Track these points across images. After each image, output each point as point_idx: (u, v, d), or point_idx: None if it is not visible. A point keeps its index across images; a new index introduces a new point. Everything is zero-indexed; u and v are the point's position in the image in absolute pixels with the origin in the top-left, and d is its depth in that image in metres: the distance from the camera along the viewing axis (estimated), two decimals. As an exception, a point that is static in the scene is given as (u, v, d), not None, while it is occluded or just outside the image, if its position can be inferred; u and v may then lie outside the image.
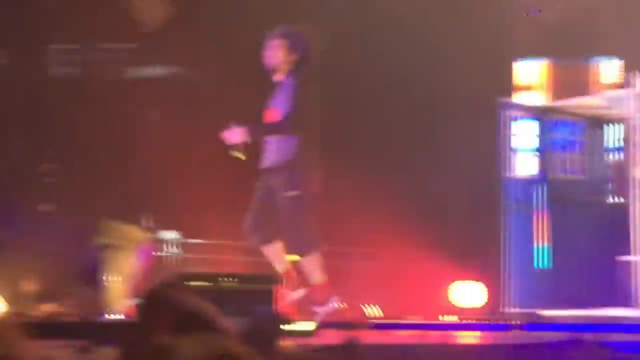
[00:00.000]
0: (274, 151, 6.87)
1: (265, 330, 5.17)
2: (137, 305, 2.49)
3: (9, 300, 7.57)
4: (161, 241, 8.31)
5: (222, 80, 8.20)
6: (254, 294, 6.17)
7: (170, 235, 8.49)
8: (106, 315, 7.36)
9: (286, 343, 5.19)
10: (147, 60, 8.82)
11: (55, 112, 8.32)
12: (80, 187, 8.23)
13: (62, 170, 8.60)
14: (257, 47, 6.99)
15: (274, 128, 6.88)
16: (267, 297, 6.06)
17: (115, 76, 8.78)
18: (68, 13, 8.22)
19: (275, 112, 6.85)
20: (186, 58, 8.66)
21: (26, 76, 8.51)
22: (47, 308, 7.55)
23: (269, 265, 6.96)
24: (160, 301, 2.10)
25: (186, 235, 8.65)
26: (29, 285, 7.65)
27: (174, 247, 8.45)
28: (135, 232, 7.77)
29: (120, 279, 7.63)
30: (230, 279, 6.30)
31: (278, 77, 6.89)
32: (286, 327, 5.68)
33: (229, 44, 8.00)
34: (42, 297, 7.61)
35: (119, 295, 7.54)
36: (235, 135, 6.81)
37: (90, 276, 7.58)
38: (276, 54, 6.89)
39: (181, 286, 5.82)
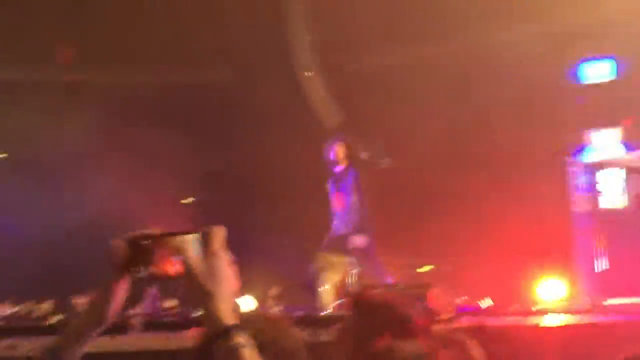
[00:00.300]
0: (346, 222, 9.38)
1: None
2: (354, 309, 2.40)
3: (258, 302, 9.14)
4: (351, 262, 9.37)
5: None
6: (414, 294, 7.25)
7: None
8: (322, 312, 8.41)
9: (435, 327, 7.16)
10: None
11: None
12: (298, 232, 10.46)
13: (288, 221, 10.89)
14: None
15: (346, 213, 9.35)
16: (422, 296, 7.26)
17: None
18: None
19: (344, 200, 9.33)
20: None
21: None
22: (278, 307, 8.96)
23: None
24: (375, 307, 1.94)
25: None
26: (271, 291, 9.33)
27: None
28: (334, 258, 9.19)
29: (329, 288, 9.04)
30: (398, 285, 8.35)
31: (339, 166, 9.39)
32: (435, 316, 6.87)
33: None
34: (279, 300, 9.19)
35: (329, 299, 8.96)
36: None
37: (309, 286, 9.08)
38: (338, 151, 9.41)
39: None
